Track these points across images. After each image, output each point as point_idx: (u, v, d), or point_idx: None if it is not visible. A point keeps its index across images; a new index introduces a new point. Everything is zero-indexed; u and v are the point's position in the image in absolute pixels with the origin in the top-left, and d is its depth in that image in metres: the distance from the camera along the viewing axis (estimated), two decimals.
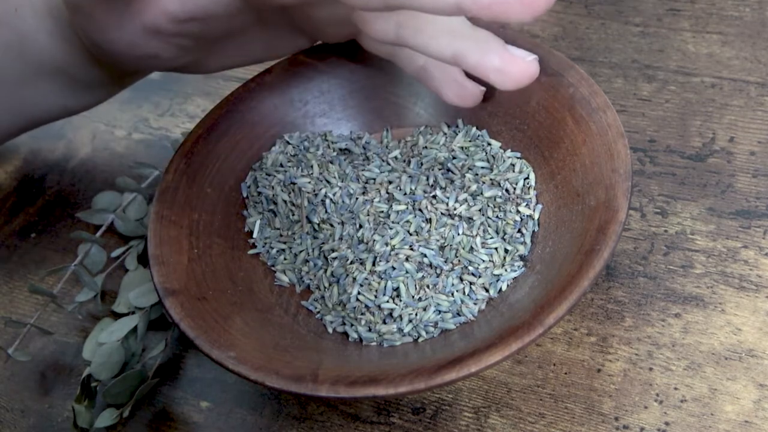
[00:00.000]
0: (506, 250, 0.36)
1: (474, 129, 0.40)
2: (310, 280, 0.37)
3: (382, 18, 0.34)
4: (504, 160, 0.39)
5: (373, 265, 0.36)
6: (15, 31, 0.43)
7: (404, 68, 0.40)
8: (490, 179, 0.38)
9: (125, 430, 0.39)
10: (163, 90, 0.53)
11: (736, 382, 0.35)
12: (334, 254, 0.37)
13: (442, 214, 0.37)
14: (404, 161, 0.40)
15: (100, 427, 0.38)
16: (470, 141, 0.40)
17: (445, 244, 0.36)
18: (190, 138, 0.40)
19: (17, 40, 0.43)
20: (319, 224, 0.38)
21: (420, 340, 0.34)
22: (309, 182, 0.39)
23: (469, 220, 0.37)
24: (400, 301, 0.35)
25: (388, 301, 0.35)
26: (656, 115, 0.45)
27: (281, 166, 0.40)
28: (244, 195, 0.40)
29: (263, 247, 0.39)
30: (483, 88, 0.38)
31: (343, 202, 0.38)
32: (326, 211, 0.38)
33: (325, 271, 0.37)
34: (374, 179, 0.39)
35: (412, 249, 0.36)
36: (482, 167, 0.39)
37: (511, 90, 0.33)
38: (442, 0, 0.29)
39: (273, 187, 0.39)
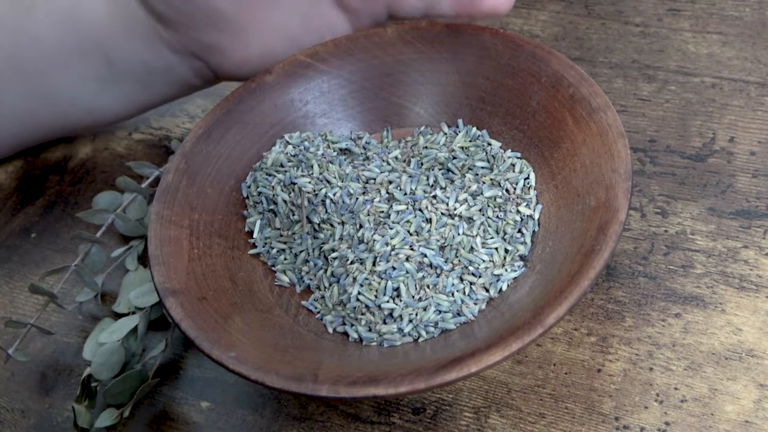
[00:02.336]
0: (506, 250, 0.36)
1: (474, 129, 0.40)
2: (310, 280, 0.37)
3: None
4: (504, 160, 0.39)
5: (374, 265, 0.36)
6: None
7: (442, 11, 0.42)
8: (490, 179, 0.38)
9: (125, 430, 0.39)
10: None
11: (736, 382, 0.35)
12: (334, 254, 0.37)
13: (442, 214, 0.37)
14: (404, 161, 0.40)
15: (101, 427, 0.38)
16: (470, 141, 0.40)
17: (446, 244, 0.36)
18: (190, 138, 0.40)
19: (71, 6, 0.43)
20: (319, 224, 0.38)
21: (420, 340, 0.35)
22: (309, 182, 0.39)
23: (470, 220, 0.37)
24: (400, 301, 0.35)
25: (388, 301, 0.35)
26: (656, 115, 0.45)
27: (281, 166, 0.40)
28: (245, 195, 0.40)
29: (263, 247, 0.39)
30: None
31: (343, 202, 0.38)
32: (326, 211, 0.38)
33: (325, 271, 0.37)
34: (374, 179, 0.39)
35: (412, 249, 0.36)
36: (482, 167, 0.39)
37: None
38: None
39: (273, 187, 0.39)
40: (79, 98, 0.46)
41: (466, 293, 0.35)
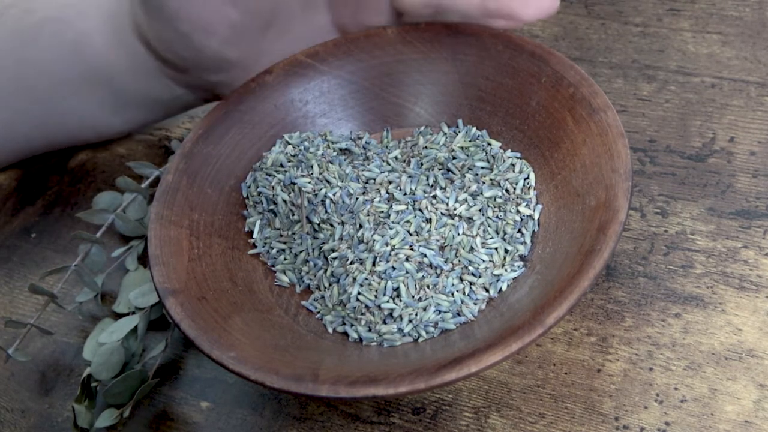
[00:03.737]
0: (506, 250, 0.36)
1: (474, 129, 0.40)
2: (310, 280, 0.37)
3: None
4: (504, 160, 0.39)
5: (373, 265, 0.36)
6: (76, 32, 0.44)
7: (458, 13, 0.41)
8: (490, 179, 0.38)
9: (125, 430, 0.39)
10: None
11: (736, 382, 0.35)
12: (334, 254, 0.37)
13: (442, 214, 0.37)
14: (404, 161, 0.40)
15: (101, 427, 0.38)
16: (470, 141, 0.40)
17: (445, 244, 0.36)
18: (190, 138, 0.40)
19: (75, 40, 0.44)
20: (319, 224, 0.38)
21: (420, 340, 0.34)
22: (309, 182, 0.39)
23: (469, 220, 0.37)
24: (400, 301, 0.35)
25: (388, 301, 0.35)
26: (656, 115, 0.45)
27: (281, 166, 0.40)
28: (244, 195, 0.40)
29: (263, 247, 0.39)
30: None
31: (343, 202, 0.38)
32: (326, 211, 0.38)
33: (325, 271, 0.37)
34: (374, 179, 0.39)
35: (412, 249, 0.36)
36: (482, 167, 0.39)
37: (529, 20, 0.39)
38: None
39: (273, 187, 0.39)
40: (87, 120, 0.47)
41: (466, 293, 0.35)
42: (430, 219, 0.37)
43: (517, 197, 0.38)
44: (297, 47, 0.43)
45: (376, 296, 0.35)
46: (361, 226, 0.37)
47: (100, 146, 0.51)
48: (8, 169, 0.51)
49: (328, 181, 0.39)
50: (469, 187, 0.38)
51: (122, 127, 0.48)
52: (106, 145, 0.51)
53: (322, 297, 0.37)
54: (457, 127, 0.41)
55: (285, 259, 0.38)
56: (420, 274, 0.35)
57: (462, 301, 0.35)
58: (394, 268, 0.35)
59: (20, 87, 0.45)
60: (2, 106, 0.45)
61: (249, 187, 0.40)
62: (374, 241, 0.36)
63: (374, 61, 0.42)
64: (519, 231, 0.37)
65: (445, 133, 0.41)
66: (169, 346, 0.40)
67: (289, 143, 0.41)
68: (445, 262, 0.36)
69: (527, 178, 0.38)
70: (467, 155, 0.39)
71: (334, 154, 0.40)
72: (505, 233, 0.37)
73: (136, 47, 0.43)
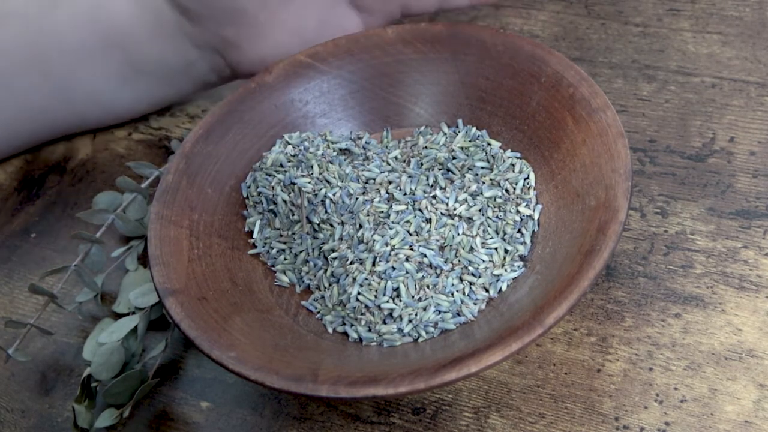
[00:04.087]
0: (506, 250, 0.36)
1: (474, 129, 0.40)
2: (310, 280, 0.37)
3: None
4: (504, 160, 0.39)
5: (373, 265, 0.36)
6: None
7: (458, 3, 0.44)
8: (490, 179, 0.38)
9: (125, 430, 0.39)
10: None
11: (736, 382, 0.35)
12: (334, 254, 0.37)
13: (442, 214, 0.37)
14: (404, 161, 0.40)
15: (101, 427, 0.38)
16: (470, 141, 0.40)
17: (445, 244, 0.36)
18: (190, 138, 0.40)
19: (94, 4, 0.44)
20: (319, 224, 0.38)
21: (420, 340, 0.35)
22: (309, 182, 0.39)
23: (469, 220, 0.37)
24: (400, 301, 0.35)
25: (388, 301, 0.35)
26: (656, 115, 0.45)
27: (281, 166, 0.40)
28: (244, 195, 0.40)
29: (263, 247, 0.39)
30: None
31: (343, 202, 0.38)
32: (326, 211, 0.38)
33: (325, 271, 0.37)
34: (374, 179, 0.39)
35: (412, 249, 0.36)
36: (482, 167, 0.39)
37: None
38: None
39: (273, 187, 0.39)
40: (97, 95, 0.47)
41: (466, 293, 0.35)
42: (430, 219, 0.37)
43: (517, 197, 0.38)
44: (310, 19, 0.43)
45: (376, 296, 0.35)
46: (361, 226, 0.37)
47: (100, 146, 0.51)
48: (8, 169, 0.51)
49: (328, 181, 0.39)
50: (469, 187, 0.38)
51: (133, 104, 0.48)
52: (106, 145, 0.51)
53: (322, 297, 0.37)
54: (457, 127, 0.41)
55: (285, 259, 0.38)
56: (420, 274, 0.35)
57: (462, 301, 0.35)
58: (394, 268, 0.35)
59: (34, 60, 0.45)
60: (16, 80, 0.46)
61: (249, 187, 0.40)
62: (374, 241, 0.36)
63: (374, 61, 0.42)
64: (519, 231, 0.37)
65: (445, 133, 0.41)
66: (169, 346, 0.40)
67: (289, 143, 0.41)
68: (445, 262, 0.36)
69: (527, 178, 0.38)
70: (467, 155, 0.39)
71: (334, 154, 0.40)
72: (505, 233, 0.37)
73: (156, 2, 0.44)
